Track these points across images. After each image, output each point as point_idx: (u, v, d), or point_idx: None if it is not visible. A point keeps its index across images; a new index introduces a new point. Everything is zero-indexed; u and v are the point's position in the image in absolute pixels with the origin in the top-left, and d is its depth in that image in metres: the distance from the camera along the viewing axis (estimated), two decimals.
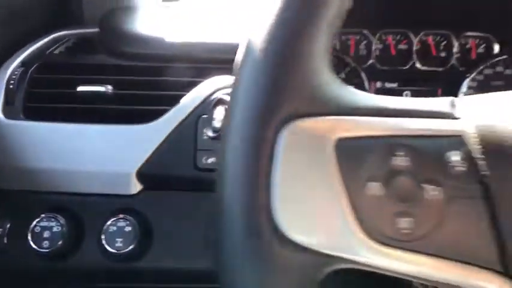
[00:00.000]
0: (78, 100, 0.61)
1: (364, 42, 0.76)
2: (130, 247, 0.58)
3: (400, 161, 0.24)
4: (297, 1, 0.24)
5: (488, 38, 0.76)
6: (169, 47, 0.66)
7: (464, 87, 0.75)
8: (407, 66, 0.76)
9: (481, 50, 0.77)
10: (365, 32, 0.76)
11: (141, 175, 0.59)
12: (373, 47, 0.76)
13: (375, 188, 0.24)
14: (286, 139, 0.24)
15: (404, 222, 0.24)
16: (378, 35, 0.76)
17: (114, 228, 0.58)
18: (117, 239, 0.58)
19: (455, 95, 0.76)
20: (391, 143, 0.24)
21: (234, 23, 0.70)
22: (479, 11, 0.73)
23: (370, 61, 0.76)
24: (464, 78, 0.75)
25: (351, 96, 0.26)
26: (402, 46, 0.76)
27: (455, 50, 0.76)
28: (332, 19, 0.25)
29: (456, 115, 0.26)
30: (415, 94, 0.77)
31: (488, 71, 0.77)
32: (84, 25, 0.74)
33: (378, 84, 0.77)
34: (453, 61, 0.76)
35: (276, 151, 0.24)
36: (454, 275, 0.24)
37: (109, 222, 0.59)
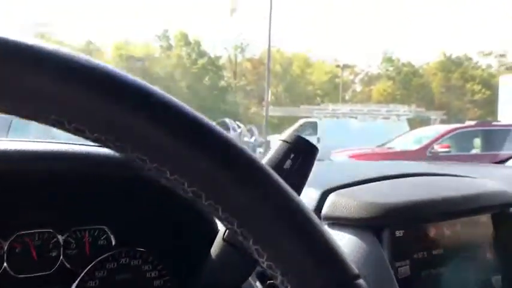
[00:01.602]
0: None
1: None
2: None
3: None
4: None
5: (104, 229, 0.69)
6: None
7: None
8: None
9: (101, 242, 0.68)
10: None
11: None
12: None
13: None
14: None
15: None
16: None
17: None
18: None
19: None
20: None
21: None
22: (85, 203, 0.67)
23: None
24: (78, 277, 0.63)
25: None
26: None
27: (62, 248, 0.65)
28: None
29: None
30: None
31: (111, 265, 0.67)
32: None
33: None
34: (62, 261, 0.64)
35: None
36: None
37: None
